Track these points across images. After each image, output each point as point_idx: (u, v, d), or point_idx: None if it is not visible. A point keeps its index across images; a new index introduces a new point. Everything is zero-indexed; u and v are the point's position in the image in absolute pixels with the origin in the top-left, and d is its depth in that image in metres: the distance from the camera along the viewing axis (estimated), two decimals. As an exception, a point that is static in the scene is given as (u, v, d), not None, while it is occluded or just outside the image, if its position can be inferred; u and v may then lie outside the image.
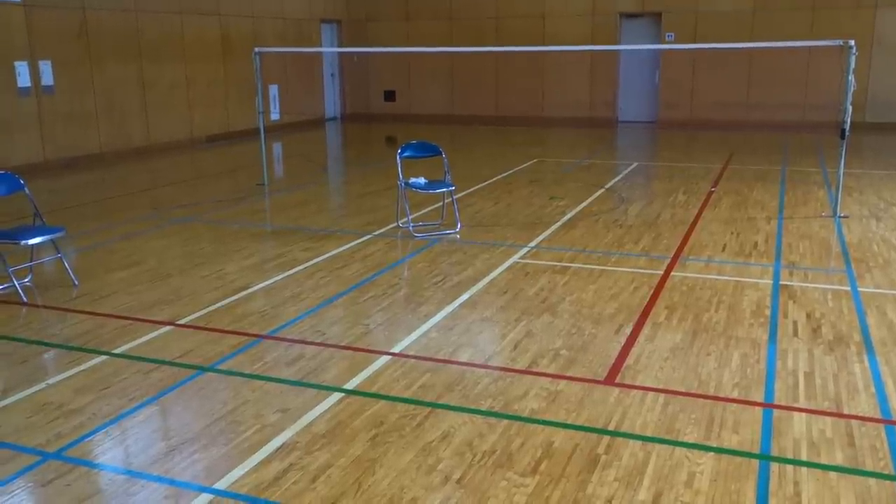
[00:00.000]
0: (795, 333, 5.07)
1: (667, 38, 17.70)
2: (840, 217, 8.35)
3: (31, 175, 10.30)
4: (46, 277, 6.57)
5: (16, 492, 3.36)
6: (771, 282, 6.17)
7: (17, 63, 11.87)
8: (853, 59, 8.03)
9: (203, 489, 3.36)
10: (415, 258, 7.02)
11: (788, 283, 6.14)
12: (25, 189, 6.40)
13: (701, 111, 17.85)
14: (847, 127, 8.21)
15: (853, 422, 3.88)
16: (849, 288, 6.00)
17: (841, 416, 3.95)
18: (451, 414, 4.01)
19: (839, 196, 8.60)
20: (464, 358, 4.73)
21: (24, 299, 5.90)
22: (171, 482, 3.42)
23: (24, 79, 11.96)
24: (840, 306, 5.59)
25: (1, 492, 3.36)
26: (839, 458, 3.54)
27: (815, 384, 4.32)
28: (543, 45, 17.97)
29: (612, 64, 18.37)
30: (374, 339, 5.09)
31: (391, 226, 8.19)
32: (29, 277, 6.37)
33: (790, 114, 17.03)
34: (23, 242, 6.00)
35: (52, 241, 6.28)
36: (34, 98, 12.14)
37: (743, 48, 16.07)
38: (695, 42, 16.79)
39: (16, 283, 6.01)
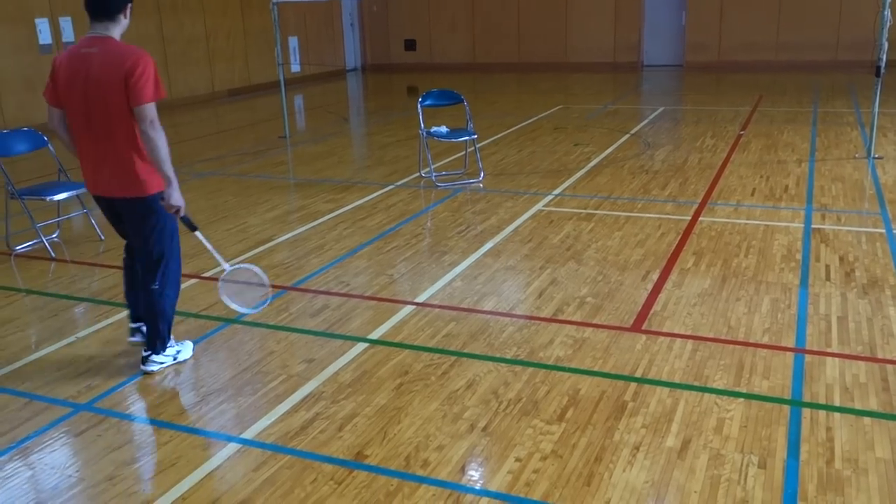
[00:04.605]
0: (828, 277, 4.97)
1: (694, -23, 17.21)
2: (874, 158, 8.13)
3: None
4: (73, 233, 6.62)
5: (49, 442, 3.41)
6: (802, 225, 6.04)
7: (37, 20, 11.83)
8: (890, -7, 7.73)
9: (231, 439, 3.39)
10: (438, 208, 6.96)
11: (820, 226, 6.01)
12: (49, 146, 6.41)
13: (729, 52, 17.42)
14: (882, 65, 7.95)
15: (888, 366, 3.81)
16: (883, 230, 5.86)
17: (875, 360, 3.88)
18: (477, 363, 3.99)
19: (873, 136, 8.37)
20: (488, 307, 4.70)
21: (53, 255, 5.94)
22: (200, 432, 3.45)
23: (45, 36, 11.93)
24: (874, 249, 5.46)
25: (35, 442, 3.41)
26: (873, 404, 3.48)
27: (849, 328, 4.24)
28: (567, -12, 17.57)
29: (637, 5, 17.92)
30: (399, 288, 5.07)
31: (413, 176, 8.12)
32: (56, 233, 6.41)
33: (822, 53, 16.57)
34: (49, 198, 6.03)
35: (77, 196, 6.30)
36: (56, 55, 12.12)
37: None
38: (723, -19, 16.31)
39: (43, 239, 6.05)
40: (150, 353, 4.02)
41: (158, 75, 3.70)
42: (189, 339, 4.31)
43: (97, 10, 3.70)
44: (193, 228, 3.96)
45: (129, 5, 3.78)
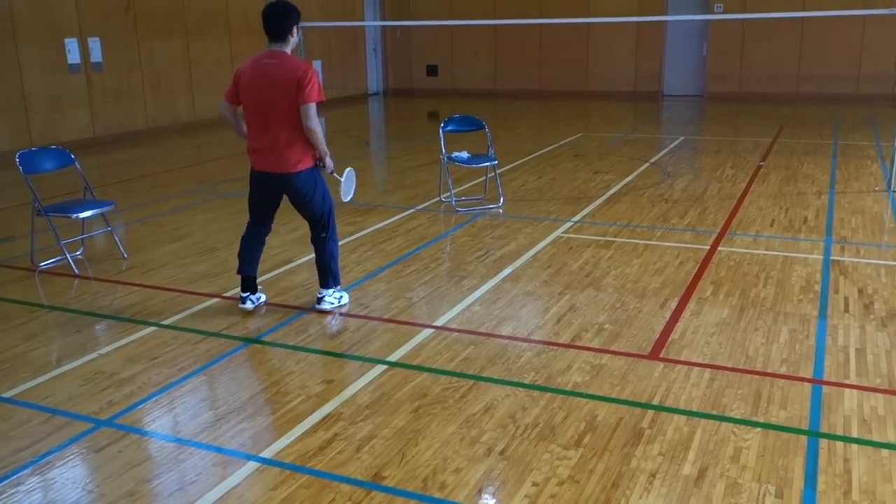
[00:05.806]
0: (846, 309, 4.96)
1: (716, 8, 17.28)
2: (894, 191, 8.11)
3: (81, 150, 10.52)
4: (97, 250, 6.71)
5: (70, 457, 3.46)
6: (821, 257, 6.03)
7: (66, 40, 12.07)
8: (911, 27, 7.74)
9: (250, 457, 3.42)
10: (457, 232, 7.01)
11: (840, 258, 6.00)
12: (76, 164, 6.53)
13: (750, 84, 17.43)
14: (904, 98, 7.94)
15: (906, 399, 3.79)
16: (903, 263, 5.84)
17: (894, 393, 3.86)
18: (494, 387, 4.01)
19: (893, 170, 8.34)
20: (507, 331, 4.73)
21: (76, 271, 6.04)
22: (219, 450, 3.49)
23: (73, 56, 12.16)
24: (894, 282, 5.44)
25: (57, 457, 3.46)
26: (891, 436, 3.47)
27: (867, 361, 4.22)
28: (588, 16, 17.67)
29: (659, 36, 18.02)
30: (417, 312, 5.11)
31: (434, 200, 8.18)
32: (80, 250, 6.51)
33: (843, 85, 16.55)
34: (74, 216, 6.13)
35: (102, 214, 6.41)
36: (83, 75, 12.35)
37: (794, 17, 15.62)
38: (745, 12, 16.35)
39: (68, 256, 6.15)
40: (323, 294, 5.08)
41: (320, 83, 4.73)
42: (346, 291, 5.29)
43: (272, 33, 4.75)
44: (332, 171, 5.10)
45: (296, 27, 4.78)
